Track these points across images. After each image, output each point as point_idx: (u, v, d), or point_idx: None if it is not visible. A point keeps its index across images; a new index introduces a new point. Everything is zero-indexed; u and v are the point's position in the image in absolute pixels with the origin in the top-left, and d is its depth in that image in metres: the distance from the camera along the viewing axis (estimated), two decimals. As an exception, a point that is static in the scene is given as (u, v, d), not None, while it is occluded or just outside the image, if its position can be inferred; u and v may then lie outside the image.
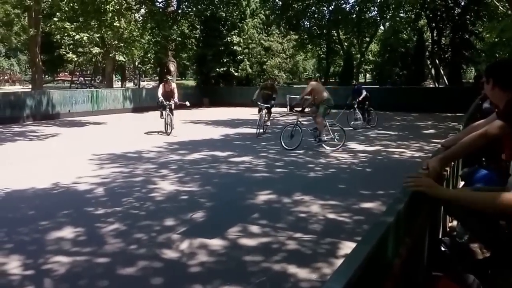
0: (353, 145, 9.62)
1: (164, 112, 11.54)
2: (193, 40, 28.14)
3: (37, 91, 17.13)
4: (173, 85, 11.63)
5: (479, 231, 1.97)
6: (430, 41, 30.79)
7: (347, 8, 33.14)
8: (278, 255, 3.62)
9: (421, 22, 31.22)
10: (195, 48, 27.87)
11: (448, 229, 3.06)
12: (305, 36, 35.10)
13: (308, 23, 36.01)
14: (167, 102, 11.28)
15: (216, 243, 3.89)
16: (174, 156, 8.42)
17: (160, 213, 4.81)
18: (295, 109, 9.76)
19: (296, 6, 32.53)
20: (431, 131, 12.32)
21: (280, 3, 32.28)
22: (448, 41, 29.49)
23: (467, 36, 27.92)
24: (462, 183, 3.31)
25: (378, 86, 28.09)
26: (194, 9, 26.77)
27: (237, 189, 5.92)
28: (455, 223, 3.06)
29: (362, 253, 1.02)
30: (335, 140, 8.94)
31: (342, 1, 32.84)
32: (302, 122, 9.40)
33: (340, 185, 6.09)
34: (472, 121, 3.31)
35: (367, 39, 36.99)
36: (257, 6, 25.75)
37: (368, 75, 58.29)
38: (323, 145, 8.99)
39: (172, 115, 11.49)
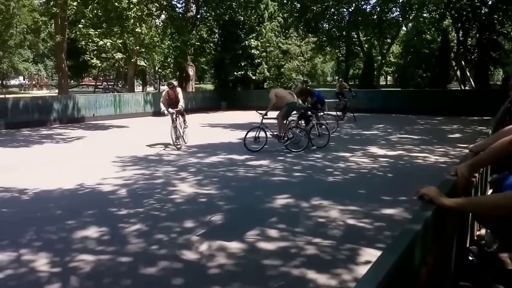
0: (373, 149, 9.56)
1: (172, 124, 9.90)
2: (211, 44, 28.48)
3: (63, 96, 17.66)
4: (178, 90, 10.16)
5: (509, 239, 1.90)
6: (456, 41, 30.18)
7: (368, 9, 32.82)
8: (297, 259, 3.65)
9: (446, 23, 30.60)
10: (213, 52, 28.18)
11: (476, 238, 3.01)
12: (324, 38, 34.95)
13: (327, 25, 35.87)
14: (172, 111, 9.84)
15: (234, 246, 3.96)
16: (193, 159, 8.56)
17: (179, 214, 4.92)
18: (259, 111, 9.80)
19: (314, 8, 32.47)
20: (457, 135, 12.07)
21: (299, 5, 32.28)
22: (474, 42, 28.84)
23: (495, 37, 27.26)
24: (490, 190, 3.26)
25: (399, 89, 27.71)
26: (213, 13, 27.14)
27: (254, 192, 5.99)
28: (483, 231, 2.99)
29: (389, 261, 1.01)
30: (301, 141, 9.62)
31: (363, 2, 32.57)
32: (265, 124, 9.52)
33: (360, 190, 6.08)
34: (501, 125, 3.22)
35: (389, 40, 36.51)
36: (275, 9, 25.84)
37: (389, 77, 57.54)
38: (288, 147, 9.36)
39: (184, 123, 10.31)
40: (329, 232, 4.32)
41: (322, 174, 7.12)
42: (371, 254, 3.68)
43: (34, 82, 54.80)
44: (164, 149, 9.75)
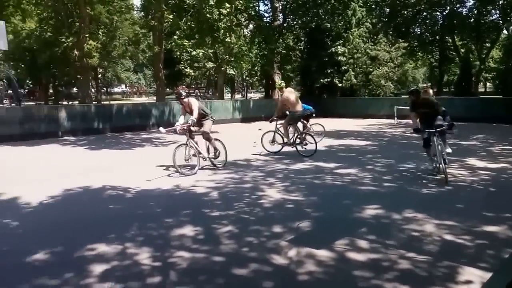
0: (472, 161, 8.83)
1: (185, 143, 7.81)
2: (297, 52, 28.62)
3: (161, 102, 19.09)
4: (190, 100, 8.04)
5: None
6: None
7: (464, 12, 30.57)
8: (390, 273, 3.50)
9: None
10: (299, 59, 28.28)
11: None
12: (415, 43, 33.24)
13: (418, 30, 34.09)
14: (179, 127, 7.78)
15: (323, 254, 3.92)
16: (280, 165, 8.66)
17: (268, 219, 5.02)
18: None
19: (405, 12, 31.06)
20: None
21: (388, 10, 31.12)
22: None
23: None
24: None
25: (501, 96, 25.22)
26: (299, 21, 27.30)
27: (342, 201, 5.88)
28: None
29: (500, 283, 0.97)
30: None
31: (458, 5, 30.40)
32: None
33: (458, 204, 5.65)
34: None
35: (488, 44, 33.54)
36: (363, 15, 25.15)
37: (488, 84, 52.75)
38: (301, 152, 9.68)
39: (210, 142, 8.23)
40: (424, 247, 4.08)
41: (415, 185, 6.75)
42: (472, 274, 3.41)
43: (134, 90, 60.05)
44: (252, 155, 10.01)
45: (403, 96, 27.80)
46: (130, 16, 30.58)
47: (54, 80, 31.04)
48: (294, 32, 28.60)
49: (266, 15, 29.67)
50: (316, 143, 9.76)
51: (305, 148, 9.77)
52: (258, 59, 27.47)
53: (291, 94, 10.09)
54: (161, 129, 8.26)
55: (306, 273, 3.54)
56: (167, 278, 3.49)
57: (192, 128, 7.85)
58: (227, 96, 40.32)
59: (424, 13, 32.02)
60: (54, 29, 25.96)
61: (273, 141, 10.22)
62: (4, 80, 27.86)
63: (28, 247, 4.15)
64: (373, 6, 29.35)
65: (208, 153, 8.27)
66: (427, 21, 33.09)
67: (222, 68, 23.34)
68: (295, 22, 28.02)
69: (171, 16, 20.70)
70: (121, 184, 6.87)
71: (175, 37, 22.56)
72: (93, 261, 3.82)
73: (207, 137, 8.13)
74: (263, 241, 4.29)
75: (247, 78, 41.35)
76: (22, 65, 29.72)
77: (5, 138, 12.84)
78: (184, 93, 8.14)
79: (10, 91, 26.87)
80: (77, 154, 10.77)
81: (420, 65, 47.88)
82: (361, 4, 25.32)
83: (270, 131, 10.45)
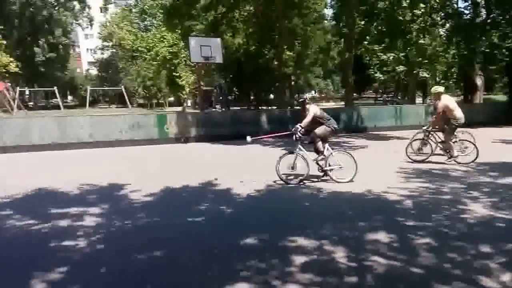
0: None
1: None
2: (504, 50, 24.54)
3: (349, 107, 19.30)
4: (310, 107, 7.74)
5: None
6: None
7: None
8: None
9: None
10: (506, 59, 24.20)
11: None
12: None
13: None
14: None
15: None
16: (484, 177, 7.66)
17: (473, 236, 4.55)
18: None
19: None
20: None
21: None
22: None
23: None
24: None
25: None
26: (507, 16, 23.32)
27: None
28: None
29: None
30: None
31: None
32: None
33: None
34: None
35: None
36: None
37: None
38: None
39: (322, 150, 7.69)
40: None
41: None
42: None
43: (323, 95, 62.16)
44: (447, 164, 9.15)
45: None
46: (322, 26, 31.88)
47: (255, 88, 34.93)
48: (500, 28, 24.61)
49: (466, 12, 26.47)
50: (476, 148, 9.06)
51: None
52: (456, 59, 24.76)
53: (450, 101, 9.25)
54: (248, 138, 7.94)
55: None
56: (364, 280, 3.57)
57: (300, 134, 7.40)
58: (419, 100, 37.66)
59: None
60: (257, 43, 29.22)
61: (420, 149, 9.56)
62: (216, 88, 32.82)
63: (240, 231, 4.86)
64: None
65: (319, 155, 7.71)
66: None
67: (414, 72, 21.97)
68: (501, 18, 24.07)
69: (362, 22, 20.69)
70: (314, 185, 7.28)
71: (365, 42, 22.45)
72: (294, 251, 4.21)
73: (313, 137, 7.71)
74: (468, 259, 3.93)
75: (442, 81, 37.73)
76: (231, 75, 34.52)
77: (218, 137, 15.19)
78: (307, 100, 8.04)
79: (221, 98, 31.50)
80: (274, 154, 11.85)
81: None
82: None
83: (417, 139, 9.71)
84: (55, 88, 38.68)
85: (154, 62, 36.15)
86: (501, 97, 34.87)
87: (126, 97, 40.59)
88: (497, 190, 6.69)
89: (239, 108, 36.80)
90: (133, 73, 47.72)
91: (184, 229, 5.09)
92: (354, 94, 34.82)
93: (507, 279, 3.50)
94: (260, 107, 31.06)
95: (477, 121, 19.15)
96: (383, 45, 22.28)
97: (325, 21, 33.05)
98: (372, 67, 26.35)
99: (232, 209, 5.89)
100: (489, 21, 23.81)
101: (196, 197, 6.65)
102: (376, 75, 26.20)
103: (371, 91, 51.22)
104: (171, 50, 34.00)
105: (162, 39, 34.27)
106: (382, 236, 4.57)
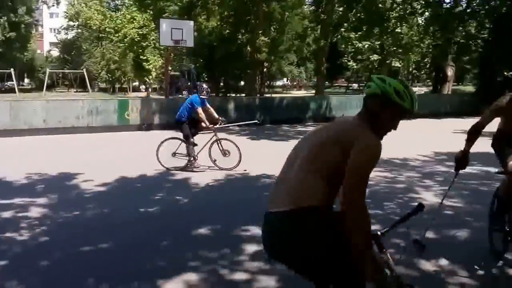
0: None
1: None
2: (478, 41, 25.21)
3: (319, 96, 19.44)
4: None
5: None
6: None
7: None
8: None
9: None
10: (480, 50, 24.89)
11: None
12: None
13: None
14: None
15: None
16: (441, 167, 7.93)
17: (419, 223, 4.70)
18: None
19: None
20: None
21: None
22: None
23: None
24: None
25: None
26: (487, 6, 23.87)
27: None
28: None
29: None
30: None
31: None
32: None
33: None
34: None
35: None
36: None
37: None
38: None
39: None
40: None
41: None
42: None
43: (294, 83, 62.28)
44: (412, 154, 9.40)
45: None
46: (300, 11, 31.60)
47: (226, 74, 34.54)
48: (478, 19, 25.19)
49: (447, 0, 26.87)
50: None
51: None
52: (430, 49, 25.23)
53: None
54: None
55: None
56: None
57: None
58: (390, 90, 38.22)
59: None
60: (232, 27, 28.76)
61: None
62: (185, 73, 32.06)
63: (194, 222, 4.85)
64: None
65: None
66: None
67: (387, 61, 22.28)
68: (480, 8, 24.62)
69: (341, 8, 20.68)
70: (275, 173, 7.33)
71: (342, 29, 22.47)
72: (246, 241, 4.24)
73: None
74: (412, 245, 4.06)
75: (414, 71, 38.46)
76: (201, 60, 33.90)
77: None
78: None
79: (189, 83, 30.79)
80: (239, 143, 11.81)
81: None
82: None
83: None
84: (11, 70, 35.82)
85: (121, 44, 34.89)
86: (470, 88, 35.89)
87: (87, 81, 39.01)
88: (450, 178, 6.91)
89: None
90: (97, 56, 45.97)
91: (135, 220, 5.01)
92: (326, 82, 35.04)
93: (444, 263, 3.65)
94: (228, 95, 30.84)
95: (444, 112, 19.68)
96: (359, 33, 22.42)
97: (304, 6, 32.82)
98: (346, 56, 26.53)
99: (187, 199, 5.87)
100: (468, 10, 24.26)
101: (151, 187, 6.56)
102: (349, 63, 26.41)
103: (343, 80, 51.71)
104: (140, 32, 32.90)
105: (131, 20, 33.06)
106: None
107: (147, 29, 32.82)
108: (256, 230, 4.49)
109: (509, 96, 3.45)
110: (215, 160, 7.82)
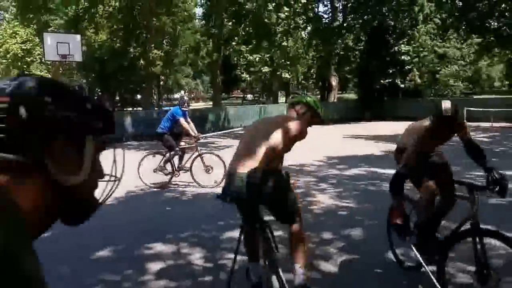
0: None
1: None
2: (356, 52, 28.03)
3: (217, 107, 19.67)
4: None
5: None
6: None
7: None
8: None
9: None
10: (358, 60, 27.68)
11: None
12: (492, 38, 31.05)
13: (495, 24, 31.76)
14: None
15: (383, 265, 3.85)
16: (334, 170, 8.57)
17: (318, 225, 5.01)
18: None
19: (480, 5, 29.07)
20: None
21: (460, 3, 29.35)
22: None
23: None
24: None
25: None
26: (361, 20, 26.66)
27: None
28: None
29: None
30: None
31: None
32: None
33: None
34: None
35: None
36: (431, 10, 23.81)
37: None
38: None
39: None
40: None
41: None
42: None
43: (192, 95, 62.12)
44: (309, 156, 9.99)
45: (475, 97, 26.10)
46: (192, 25, 31.80)
47: (120, 88, 33.11)
48: (354, 32, 28.01)
49: (326, 16, 29.36)
50: None
51: None
52: (315, 61, 27.31)
53: None
54: None
55: (357, 282, 3.52)
56: (217, 279, 3.64)
57: None
58: (282, 100, 40.39)
59: (503, 5, 29.72)
60: (122, 40, 27.79)
61: None
62: (76, 88, 30.15)
63: (94, 243, 4.52)
64: (443, 0, 27.74)
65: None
66: (506, 14, 30.67)
67: (278, 73, 23.50)
68: (355, 22, 27.42)
69: (230, 23, 21.28)
70: (177, 188, 7.21)
71: (233, 43, 23.16)
72: (150, 259, 4.08)
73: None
74: (312, 247, 4.30)
75: (303, 82, 41.14)
76: (93, 74, 32.11)
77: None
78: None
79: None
80: (138, 159, 11.39)
81: (496, 62, 44.44)
82: (429, -2, 24.16)
83: None
84: None
85: (4, 60, 31.78)
86: (352, 96, 39.52)
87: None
88: (343, 181, 7.53)
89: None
90: (-24, 72, 40.97)
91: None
92: (223, 94, 35.62)
93: (342, 260, 3.93)
94: (125, 109, 29.67)
95: (331, 118, 21.32)
96: (250, 46, 23.28)
97: (195, 21, 33.06)
98: (239, 68, 27.34)
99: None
100: (345, 24, 26.76)
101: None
102: (243, 75, 27.25)
103: (239, 91, 53.20)
104: (24, 47, 30.33)
105: (14, 34, 30.39)
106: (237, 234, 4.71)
107: (31, 44, 30.31)
108: (161, 247, 4.36)
109: (432, 119, 3.26)
110: (194, 177, 7.49)
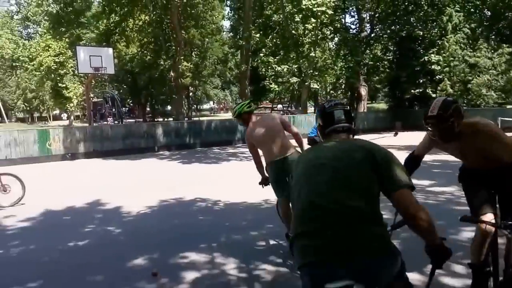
0: None
1: None
2: (385, 62, 27.66)
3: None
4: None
5: None
6: None
7: None
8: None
9: None
10: (387, 70, 27.29)
11: None
12: (523, 47, 30.01)
13: (526, 32, 30.72)
14: None
15: (414, 277, 3.71)
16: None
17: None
18: None
19: (510, 14, 28.26)
20: None
21: (489, 13, 28.63)
22: None
23: None
24: None
25: None
26: (388, 31, 26.38)
27: (437, 221, 5.48)
28: None
29: None
30: None
31: None
32: None
33: None
34: None
35: None
36: (460, 20, 23.41)
37: None
38: None
39: None
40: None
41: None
42: None
43: (221, 106, 62.85)
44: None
45: (508, 106, 25.25)
46: (219, 37, 32.33)
47: (151, 99, 33.92)
48: (382, 42, 27.72)
49: (353, 26, 29.23)
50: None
51: None
52: (343, 71, 27.09)
53: None
54: None
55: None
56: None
57: None
58: (311, 110, 40.22)
59: (533, 13, 28.82)
60: (153, 53, 28.52)
61: None
62: (108, 99, 31.13)
63: (128, 253, 4.56)
64: (471, 10, 27.21)
65: None
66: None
67: (306, 83, 23.40)
68: (383, 32, 27.16)
69: (257, 35, 21.46)
70: (210, 197, 7.22)
71: (261, 54, 23.32)
72: (185, 268, 4.07)
73: None
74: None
75: (331, 92, 40.85)
76: (124, 86, 33.09)
77: (110, 152, 14.31)
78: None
79: (113, 110, 29.91)
80: (171, 168, 11.56)
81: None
82: (458, 9, 23.68)
83: None
84: None
85: (38, 73, 33.15)
86: (383, 105, 38.91)
87: (2, 111, 36.34)
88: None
89: (134, 120, 35.27)
90: (12, 85, 43.16)
91: (64, 255, 4.61)
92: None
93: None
94: (156, 120, 30.28)
95: (362, 128, 21.03)
96: (277, 57, 23.37)
97: (223, 33, 33.61)
98: (267, 78, 27.43)
99: (120, 230, 5.52)
100: (373, 35, 26.54)
101: (81, 219, 6.11)
102: (271, 86, 27.30)
103: (267, 102, 53.37)
104: (57, 60, 31.54)
105: (47, 47, 31.63)
106: (271, 244, 4.66)
107: (64, 57, 31.51)
108: (194, 256, 4.35)
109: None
110: None
